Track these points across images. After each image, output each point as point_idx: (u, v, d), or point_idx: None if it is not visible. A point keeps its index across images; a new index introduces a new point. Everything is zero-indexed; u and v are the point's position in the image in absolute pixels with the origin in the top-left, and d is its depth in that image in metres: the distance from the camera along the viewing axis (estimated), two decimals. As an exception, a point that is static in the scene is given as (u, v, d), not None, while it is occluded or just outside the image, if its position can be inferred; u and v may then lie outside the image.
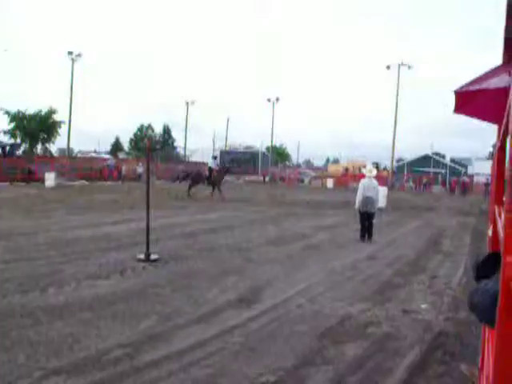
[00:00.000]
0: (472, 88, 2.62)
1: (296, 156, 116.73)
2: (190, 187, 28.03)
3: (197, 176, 28.95)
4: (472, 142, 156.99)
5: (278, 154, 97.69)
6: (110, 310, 6.45)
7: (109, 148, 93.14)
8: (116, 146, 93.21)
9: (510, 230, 0.70)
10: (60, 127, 50.58)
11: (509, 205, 0.69)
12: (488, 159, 70.59)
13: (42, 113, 48.68)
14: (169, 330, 5.76)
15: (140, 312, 6.39)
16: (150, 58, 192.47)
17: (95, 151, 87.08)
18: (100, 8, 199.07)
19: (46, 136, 49.81)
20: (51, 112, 48.95)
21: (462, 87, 2.70)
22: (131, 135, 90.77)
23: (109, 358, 4.83)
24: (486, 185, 46.44)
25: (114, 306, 6.60)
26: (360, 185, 13.85)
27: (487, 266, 1.89)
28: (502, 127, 1.90)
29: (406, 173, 67.58)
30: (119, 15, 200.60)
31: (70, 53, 52.72)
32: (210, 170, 28.60)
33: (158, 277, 8.41)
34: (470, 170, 72.04)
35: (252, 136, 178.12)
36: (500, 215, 1.98)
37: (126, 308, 6.55)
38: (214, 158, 34.17)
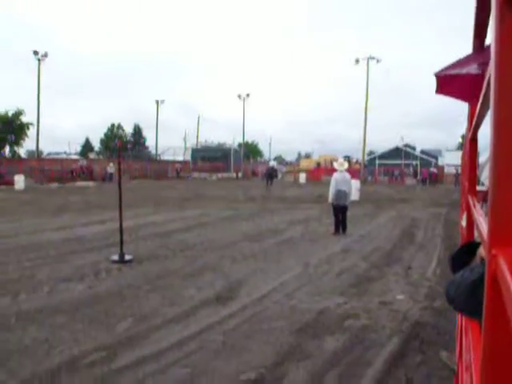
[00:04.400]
0: (448, 72, 2.67)
1: (268, 152, 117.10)
2: None
3: None
4: (441, 133, 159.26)
5: (250, 150, 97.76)
6: (85, 313, 6.36)
7: (79, 149, 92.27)
8: (86, 147, 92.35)
9: (496, 224, 0.69)
10: (28, 129, 49.64)
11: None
12: (457, 150, 71.63)
13: (9, 114, 47.72)
14: (146, 331, 5.70)
15: (116, 314, 6.32)
16: (118, 57, 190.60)
17: (65, 152, 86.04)
18: (66, 4, 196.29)
19: (13, 138, 48.85)
20: (18, 113, 48.05)
21: (441, 71, 2.76)
22: (101, 135, 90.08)
23: (86, 362, 4.76)
24: (456, 175, 47.21)
25: (89, 309, 6.51)
26: (333, 179, 13.89)
27: (462, 257, 1.89)
28: (474, 119, 1.90)
29: (377, 166, 68.04)
30: (86, 11, 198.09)
31: (36, 53, 51.68)
32: None
33: (132, 278, 8.33)
34: (441, 161, 72.88)
35: (224, 133, 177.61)
36: (475, 206, 1.98)
37: (101, 310, 6.46)
38: None
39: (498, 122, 0.67)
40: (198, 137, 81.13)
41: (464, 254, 1.90)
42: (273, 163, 56.02)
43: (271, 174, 41.51)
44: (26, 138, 50.44)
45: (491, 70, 0.70)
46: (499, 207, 0.68)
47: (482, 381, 0.74)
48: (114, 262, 9.42)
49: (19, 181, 34.26)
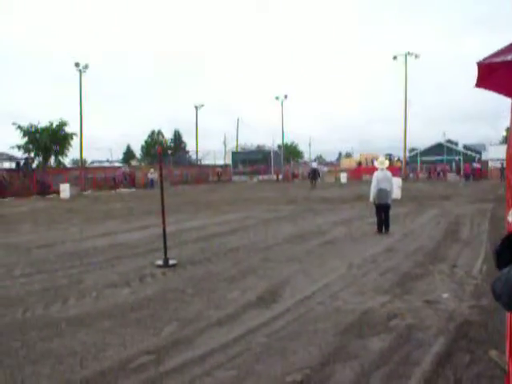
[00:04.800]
0: (491, 61, 2.63)
1: (308, 152, 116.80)
2: None
3: None
4: (485, 127, 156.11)
5: (290, 152, 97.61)
6: (131, 317, 6.47)
7: (121, 156, 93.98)
8: (128, 154, 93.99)
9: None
10: (72, 139, 50.63)
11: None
12: (502, 144, 69.99)
13: (54, 125, 48.77)
14: (191, 335, 5.76)
15: (162, 318, 6.40)
16: (155, 64, 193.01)
17: (108, 160, 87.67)
18: (104, 16, 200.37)
19: (58, 148, 49.88)
20: (62, 124, 49.04)
21: (485, 59, 2.72)
22: (142, 142, 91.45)
23: (133, 366, 4.84)
24: (502, 169, 46.19)
25: (135, 313, 6.62)
26: (374, 177, 13.77)
27: (508, 253, 1.86)
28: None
29: (419, 163, 67.12)
30: (123, 21, 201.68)
31: (77, 64, 52.74)
32: None
33: (177, 282, 8.43)
34: (485, 156, 71.35)
35: (263, 135, 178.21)
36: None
37: (147, 314, 6.56)
38: None
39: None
40: (237, 140, 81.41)
41: (508, 249, 1.87)
42: (314, 164, 57.17)
43: (314, 174, 45.22)
44: (70, 148, 51.52)
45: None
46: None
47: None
48: (159, 266, 9.55)
49: (65, 189, 35.02)
